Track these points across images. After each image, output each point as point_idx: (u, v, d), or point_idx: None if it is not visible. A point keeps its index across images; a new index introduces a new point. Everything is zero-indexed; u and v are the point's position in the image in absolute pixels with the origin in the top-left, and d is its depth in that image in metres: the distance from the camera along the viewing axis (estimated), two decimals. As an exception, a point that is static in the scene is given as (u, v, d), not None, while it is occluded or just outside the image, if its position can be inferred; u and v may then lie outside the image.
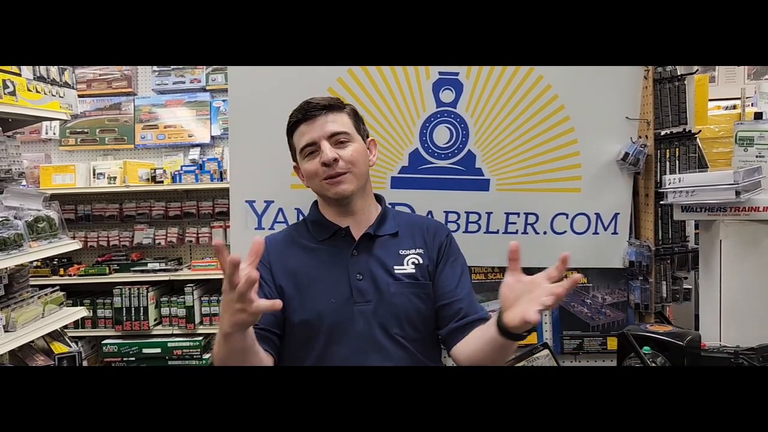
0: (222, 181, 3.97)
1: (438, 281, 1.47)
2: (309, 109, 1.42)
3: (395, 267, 1.45)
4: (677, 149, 1.86)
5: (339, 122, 1.43)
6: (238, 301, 1.05)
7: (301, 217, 1.89)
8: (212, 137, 4.24)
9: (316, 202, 1.54)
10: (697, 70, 1.96)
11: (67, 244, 2.82)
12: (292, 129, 1.47)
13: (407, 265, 1.46)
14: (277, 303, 1.07)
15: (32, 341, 2.73)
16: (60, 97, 2.76)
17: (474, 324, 1.40)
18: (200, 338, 4.01)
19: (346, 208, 1.46)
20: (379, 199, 1.57)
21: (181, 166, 4.07)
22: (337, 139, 1.41)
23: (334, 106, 1.44)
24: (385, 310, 1.40)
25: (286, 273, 1.44)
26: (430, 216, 1.88)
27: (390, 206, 1.60)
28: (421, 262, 1.47)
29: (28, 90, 2.55)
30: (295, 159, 1.51)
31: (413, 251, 1.48)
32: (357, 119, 1.49)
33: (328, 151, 1.39)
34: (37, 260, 3.53)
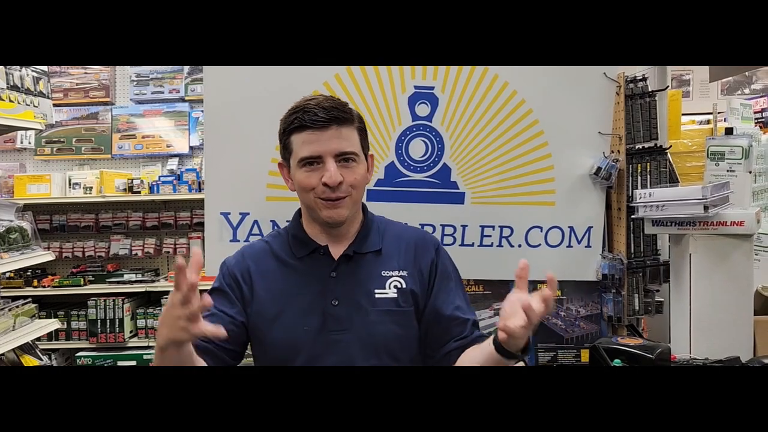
0: (200, 191, 3.95)
1: (433, 305, 1.36)
2: (319, 117, 1.27)
3: (376, 291, 1.33)
4: (648, 164, 1.89)
5: (349, 140, 1.30)
6: (185, 320, 1.01)
7: (277, 230, 1.88)
8: (191, 147, 4.22)
9: (299, 212, 1.42)
10: (668, 86, 2.01)
11: (40, 255, 2.78)
12: (293, 130, 1.31)
13: (389, 288, 1.34)
14: (221, 331, 1.03)
15: (1, 354, 2.68)
16: (34, 106, 2.73)
17: (474, 342, 1.34)
18: (176, 350, 3.97)
19: (334, 230, 1.35)
20: (362, 208, 1.43)
21: (159, 177, 4.05)
22: (344, 157, 1.29)
23: (345, 117, 1.30)
24: (362, 339, 1.30)
25: (263, 286, 1.35)
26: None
27: (374, 215, 1.45)
28: (404, 286, 1.35)
29: (1, 99, 2.52)
30: (284, 157, 1.36)
31: (396, 273, 1.36)
32: (363, 135, 1.36)
33: (333, 172, 1.26)
34: (9, 271, 3.47)
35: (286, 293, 1.33)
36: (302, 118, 1.28)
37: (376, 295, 1.33)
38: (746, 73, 6.22)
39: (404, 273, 1.36)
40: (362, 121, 1.37)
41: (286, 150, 1.35)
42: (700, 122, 4.81)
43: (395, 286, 1.35)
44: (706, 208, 1.61)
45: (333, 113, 1.28)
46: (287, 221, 1.85)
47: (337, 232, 1.35)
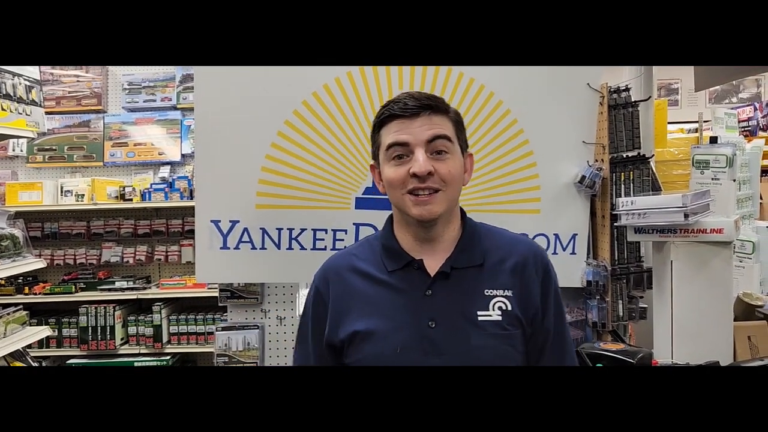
0: (192, 199, 3.95)
1: (546, 326, 1.24)
2: (409, 104, 1.18)
3: (479, 313, 1.18)
4: (632, 172, 1.93)
5: (442, 126, 1.19)
6: None
7: (266, 237, 1.90)
8: (183, 155, 4.24)
9: (390, 218, 1.29)
10: (651, 96, 2.05)
11: (32, 263, 2.79)
12: (382, 123, 1.22)
13: (493, 309, 1.19)
14: None
15: (-7, 361, 2.68)
16: (27, 114, 2.74)
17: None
18: (168, 357, 3.97)
19: (426, 232, 1.21)
20: (462, 215, 1.29)
21: (151, 184, 4.06)
22: (435, 147, 1.17)
23: (439, 106, 1.20)
24: (462, 365, 1.15)
25: (353, 304, 1.23)
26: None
27: (474, 222, 1.30)
28: (509, 308, 1.20)
29: (-6, 108, 2.54)
30: (375, 157, 1.26)
31: (501, 292, 1.20)
32: (460, 127, 1.24)
33: (422, 160, 1.14)
34: (0, 279, 3.48)
35: (377, 311, 1.20)
36: (391, 108, 1.19)
37: (480, 318, 1.18)
38: (733, 82, 6.30)
39: (509, 293, 1.21)
40: (459, 115, 1.25)
41: (375, 146, 1.26)
42: (689, 131, 4.87)
43: (500, 308, 1.20)
44: (686, 216, 1.65)
45: (424, 101, 1.18)
46: (277, 229, 1.90)
47: (432, 242, 1.23)
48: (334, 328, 1.22)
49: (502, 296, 1.20)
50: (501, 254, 1.24)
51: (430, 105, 1.18)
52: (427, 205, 1.16)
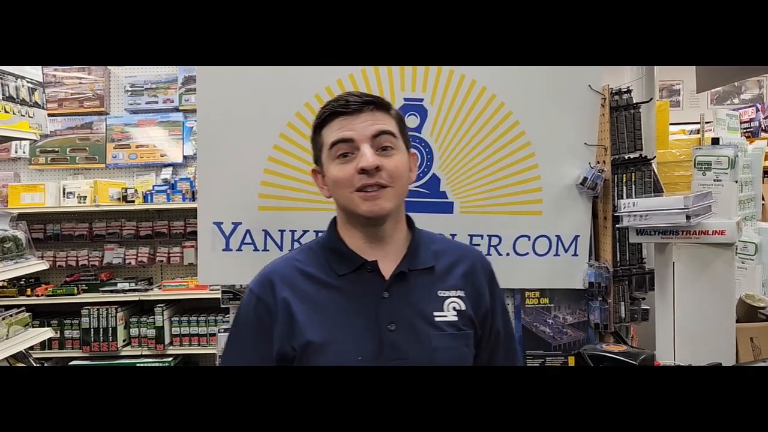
0: (194, 200, 3.97)
1: (496, 328, 1.27)
2: (350, 101, 1.16)
3: (435, 313, 1.18)
4: (633, 174, 1.93)
5: (386, 122, 1.17)
6: None
7: (268, 239, 1.90)
8: (185, 157, 4.25)
9: (334, 221, 1.26)
10: (652, 98, 2.05)
11: (34, 265, 2.80)
12: (323, 122, 1.19)
13: (448, 310, 1.20)
14: None
15: (-4, 363, 2.69)
16: (29, 117, 2.75)
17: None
18: (170, 359, 3.98)
19: (376, 232, 1.19)
20: (408, 221, 1.28)
21: (153, 186, 4.07)
22: (380, 143, 1.15)
23: (381, 103, 1.19)
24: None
25: (303, 312, 1.17)
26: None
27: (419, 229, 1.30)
28: (463, 308, 1.21)
29: (-3, 110, 2.55)
30: (317, 161, 1.24)
31: (454, 293, 1.22)
32: (403, 125, 1.23)
33: (369, 155, 1.12)
34: (3, 280, 3.48)
35: (331, 319, 1.16)
36: (332, 106, 1.17)
37: (436, 318, 1.18)
38: (735, 83, 6.30)
39: (461, 293, 1.22)
40: (400, 114, 1.25)
41: (316, 149, 1.23)
42: (691, 132, 4.87)
43: (454, 308, 1.21)
44: (688, 217, 1.65)
45: (366, 98, 1.17)
46: (279, 230, 1.90)
47: (383, 242, 1.20)
48: (284, 338, 1.15)
49: (455, 296, 1.21)
50: (450, 258, 1.25)
51: (372, 101, 1.17)
52: (377, 200, 1.13)
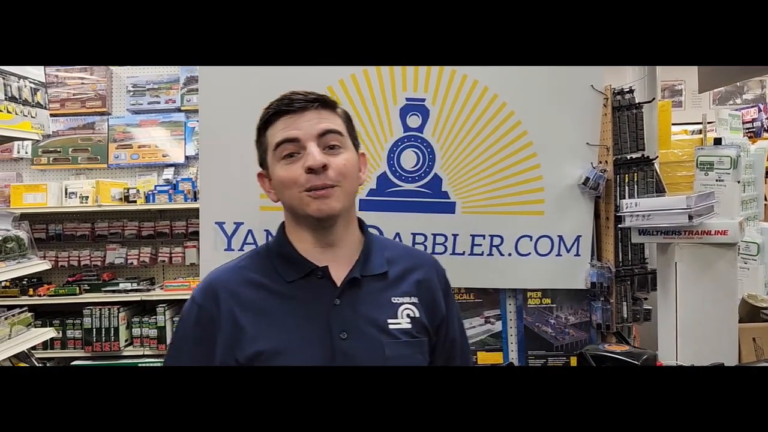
0: (195, 201, 3.98)
1: (451, 335, 1.25)
2: (295, 99, 1.13)
3: (389, 321, 1.15)
4: (636, 174, 1.93)
5: (332, 121, 1.14)
6: None
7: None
8: (186, 157, 4.25)
9: (282, 225, 1.22)
10: (654, 98, 2.05)
11: (36, 265, 2.80)
12: (267, 123, 1.17)
13: (402, 317, 1.16)
14: None
15: (-2, 363, 2.69)
16: (32, 117, 2.76)
17: None
18: (172, 359, 3.98)
19: (326, 235, 1.15)
20: (360, 224, 1.24)
21: (155, 186, 4.08)
22: (327, 142, 1.11)
23: (327, 101, 1.16)
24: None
25: (250, 321, 1.11)
26: (398, 239, 1.92)
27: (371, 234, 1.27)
28: (417, 315, 1.18)
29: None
30: (263, 163, 1.21)
31: (407, 300, 1.18)
32: (350, 125, 1.20)
33: (316, 153, 1.09)
34: (5, 280, 3.49)
35: (280, 327, 1.11)
36: (276, 106, 1.15)
37: (390, 326, 1.14)
38: (737, 83, 6.29)
39: (415, 299, 1.19)
40: (347, 113, 1.22)
41: (261, 150, 1.20)
42: (693, 132, 4.86)
43: (408, 315, 1.17)
44: (690, 217, 1.65)
45: (311, 96, 1.14)
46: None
47: (334, 246, 1.16)
48: (230, 349, 1.10)
49: (408, 303, 1.18)
50: (404, 264, 1.22)
51: (317, 99, 1.14)
52: (326, 199, 1.09)
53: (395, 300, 1.17)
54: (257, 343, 1.10)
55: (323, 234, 1.15)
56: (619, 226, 1.85)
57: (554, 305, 2.02)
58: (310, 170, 1.09)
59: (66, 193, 4.03)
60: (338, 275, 1.15)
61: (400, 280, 1.20)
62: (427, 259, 1.30)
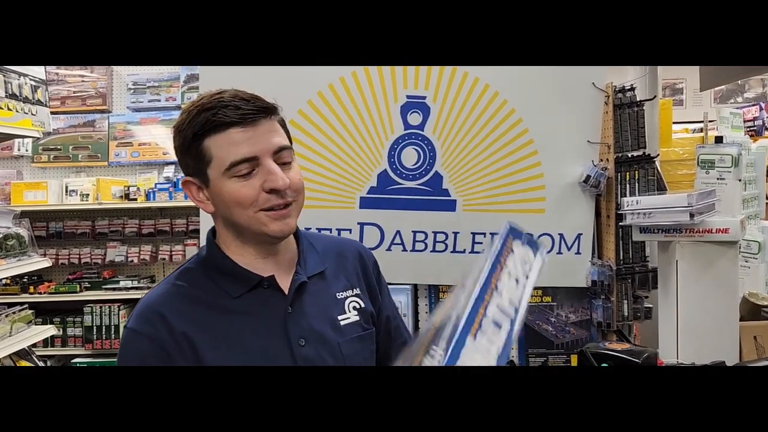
0: (196, 199, 3.97)
1: (386, 316, 1.25)
2: (245, 109, 1.04)
3: (339, 318, 1.13)
4: (637, 172, 1.92)
5: (281, 134, 1.08)
6: None
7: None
8: (187, 155, 4.24)
9: (212, 235, 1.13)
10: (656, 96, 2.04)
11: (37, 262, 2.80)
12: (207, 132, 1.03)
13: (350, 311, 1.15)
14: None
15: (-1, 360, 2.69)
16: (32, 114, 2.75)
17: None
18: (172, 357, 3.98)
19: (273, 248, 1.10)
20: None
21: (155, 184, 4.07)
22: (281, 158, 1.04)
23: (271, 108, 1.08)
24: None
25: (205, 342, 1.04)
26: (398, 237, 1.92)
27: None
28: (363, 305, 1.17)
29: (0, 108, 2.55)
30: (194, 172, 1.08)
31: (350, 292, 1.17)
32: (287, 130, 1.13)
33: (279, 173, 1.01)
34: (6, 278, 3.49)
35: (237, 344, 1.05)
36: (224, 115, 1.02)
37: (342, 323, 1.13)
38: (738, 81, 6.28)
39: (357, 290, 1.18)
40: (283, 120, 1.14)
41: (197, 160, 1.06)
42: (694, 130, 4.86)
43: (354, 307, 1.16)
44: (692, 215, 1.65)
45: (258, 104, 1.05)
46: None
47: (277, 255, 1.11)
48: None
49: (353, 295, 1.16)
50: (334, 256, 1.19)
51: (265, 107, 1.06)
52: (286, 219, 1.04)
53: (339, 295, 1.15)
54: (212, 363, 1.04)
55: (270, 247, 1.10)
56: (620, 224, 1.85)
57: (555, 303, 2.02)
58: (273, 191, 1.02)
59: (66, 191, 4.03)
60: (284, 282, 1.10)
61: (339, 274, 1.18)
62: (354, 244, 1.28)
